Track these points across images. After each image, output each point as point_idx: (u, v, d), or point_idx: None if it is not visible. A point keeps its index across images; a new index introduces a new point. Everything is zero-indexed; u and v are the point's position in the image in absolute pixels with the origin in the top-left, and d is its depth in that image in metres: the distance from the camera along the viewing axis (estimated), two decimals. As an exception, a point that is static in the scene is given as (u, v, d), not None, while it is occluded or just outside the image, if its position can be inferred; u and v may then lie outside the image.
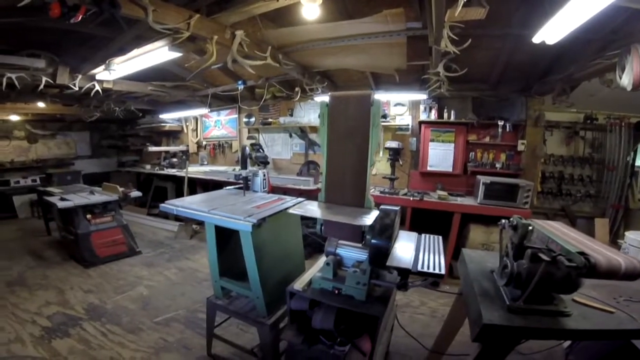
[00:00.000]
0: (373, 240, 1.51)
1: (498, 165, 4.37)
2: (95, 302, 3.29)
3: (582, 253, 1.14)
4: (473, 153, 4.53)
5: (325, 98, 1.83)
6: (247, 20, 2.84)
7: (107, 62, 3.47)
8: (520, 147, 4.29)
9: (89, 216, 4.44)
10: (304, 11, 2.26)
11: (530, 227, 1.55)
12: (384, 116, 1.79)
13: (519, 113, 4.32)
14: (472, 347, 2.52)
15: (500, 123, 4.28)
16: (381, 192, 4.29)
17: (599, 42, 2.84)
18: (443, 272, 1.39)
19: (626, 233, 1.97)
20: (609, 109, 4.36)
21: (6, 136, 6.82)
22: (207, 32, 2.60)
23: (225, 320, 2.64)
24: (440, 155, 4.59)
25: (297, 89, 4.69)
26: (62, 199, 4.33)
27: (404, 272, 1.44)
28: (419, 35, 2.98)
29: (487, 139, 4.48)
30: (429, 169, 4.63)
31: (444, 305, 3.29)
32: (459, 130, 4.51)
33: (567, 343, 2.48)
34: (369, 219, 1.51)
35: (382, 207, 1.65)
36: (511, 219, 1.69)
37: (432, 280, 1.50)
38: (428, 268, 1.41)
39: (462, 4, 1.81)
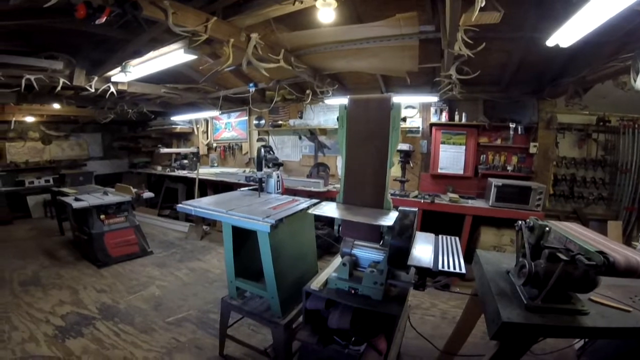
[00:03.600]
0: (393, 241, 1.52)
1: (509, 168, 4.34)
2: (108, 302, 3.34)
3: (601, 252, 1.14)
4: (484, 155, 4.51)
5: (339, 101, 1.87)
6: (260, 24, 2.89)
7: (123, 64, 3.55)
8: (532, 150, 4.25)
9: (102, 216, 4.51)
10: (319, 15, 2.30)
11: (547, 228, 1.55)
12: (404, 119, 1.80)
13: (531, 115, 4.29)
14: (484, 348, 2.51)
15: (512, 125, 4.25)
16: (392, 195, 4.28)
17: (613, 45, 2.82)
18: (464, 271, 1.40)
19: (643, 236, 1.95)
20: (622, 111, 4.32)
21: (21, 137, 6.98)
22: (223, 35, 2.65)
23: (237, 321, 2.66)
24: (451, 158, 4.58)
25: (308, 91, 4.73)
26: (77, 199, 4.42)
27: (424, 272, 1.45)
28: (431, 38, 2.99)
29: (498, 142, 4.45)
30: (439, 171, 4.61)
31: (454, 307, 3.28)
32: (470, 132, 4.50)
33: (579, 344, 2.45)
34: (390, 219, 1.52)
35: (400, 208, 1.66)
36: (528, 220, 1.70)
37: (445, 282, 1.51)
38: (449, 267, 1.42)
39: (478, 9, 1.82)
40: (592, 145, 4.52)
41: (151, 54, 3.19)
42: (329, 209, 1.76)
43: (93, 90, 4.23)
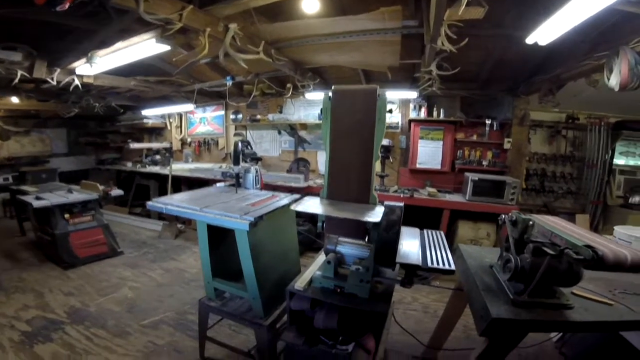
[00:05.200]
0: (381, 237, 1.49)
1: (485, 163, 4.47)
2: (77, 305, 3.14)
3: (588, 246, 1.15)
4: (461, 151, 4.62)
5: (320, 95, 1.80)
6: (240, 14, 2.77)
7: (89, 54, 3.30)
8: (507, 145, 4.39)
9: (67, 216, 4.23)
10: (303, 5, 2.21)
11: (530, 222, 1.57)
12: (390, 111, 1.79)
13: (506, 112, 4.42)
14: (466, 342, 2.56)
15: (488, 122, 4.37)
16: (372, 190, 4.29)
17: (588, 44, 2.91)
18: (453, 267, 1.39)
19: (615, 227, 2.04)
20: (590, 109, 4.53)
21: (-25, 132, 6.43)
22: (199, 25, 2.51)
23: (217, 322, 2.56)
24: (429, 153, 4.64)
25: (288, 85, 4.63)
26: (38, 198, 4.10)
27: (412, 269, 1.42)
28: (413, 33, 2.98)
29: (474, 137, 4.57)
30: (418, 166, 4.67)
31: (435, 301, 3.33)
32: (447, 128, 4.58)
33: (557, 337, 2.55)
34: (377, 215, 1.48)
35: (386, 203, 1.63)
36: (510, 214, 1.71)
37: (433, 277, 1.50)
38: (438, 264, 1.40)
39: (463, 4, 1.81)
40: (561, 141, 4.73)
41: (120, 44, 2.98)
42: (313, 205, 1.70)
43: (55, 83, 3.92)
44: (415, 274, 1.47)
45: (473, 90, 4.47)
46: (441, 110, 4.54)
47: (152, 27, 2.60)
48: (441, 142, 4.61)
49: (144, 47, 2.88)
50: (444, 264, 1.41)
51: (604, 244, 1.19)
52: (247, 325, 2.18)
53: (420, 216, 4.24)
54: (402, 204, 1.61)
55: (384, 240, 1.48)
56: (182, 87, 5.39)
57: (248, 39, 3.00)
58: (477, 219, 4.03)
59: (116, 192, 4.84)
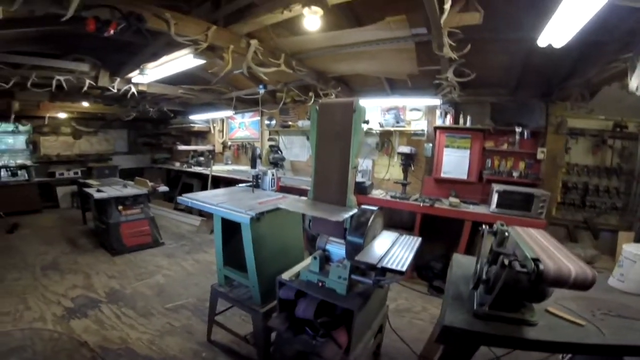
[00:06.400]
0: (348, 237, 1.61)
1: (515, 174, 4.25)
2: (116, 287, 3.60)
3: (535, 259, 1.16)
4: (490, 160, 4.43)
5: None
6: (261, 29, 3.02)
7: (141, 67, 3.81)
8: (540, 156, 4.14)
9: (120, 207, 4.82)
10: (305, 23, 2.40)
11: (506, 234, 1.58)
12: (366, 122, 1.88)
13: (538, 119, 4.18)
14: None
15: (518, 130, 4.16)
16: (392, 197, 4.32)
17: (616, 44, 2.70)
18: (404, 269, 1.46)
19: (624, 245, 1.90)
20: None
21: (54, 132, 7.55)
22: (223, 42, 2.80)
23: (228, 309, 2.82)
24: (455, 162, 4.53)
25: (310, 93, 4.85)
26: (99, 191, 4.76)
27: (371, 268, 1.52)
28: (425, 40, 3.00)
29: (505, 146, 4.37)
30: (443, 175, 4.58)
31: (446, 312, 3.28)
32: (475, 136, 4.44)
33: (567, 357, 2.41)
34: (342, 216, 1.61)
35: (362, 206, 1.74)
36: (494, 225, 1.72)
37: (399, 278, 1.57)
38: (391, 265, 1.49)
39: (449, 10, 1.85)
40: (607, 151, 4.31)
41: (164, 58, 3.41)
42: (295, 204, 1.87)
43: (115, 91, 4.56)
44: (382, 274, 1.56)
45: (503, 96, 4.30)
46: (468, 118, 4.42)
47: (186, 44, 2.96)
48: (468, 151, 4.47)
49: (183, 61, 3.27)
50: (397, 265, 1.48)
51: (557, 259, 1.19)
52: (247, 311, 2.41)
53: (444, 227, 4.22)
54: (375, 208, 1.71)
55: (351, 239, 1.59)
56: (222, 94, 5.87)
57: (269, 52, 3.26)
58: (501, 232, 3.86)
59: (162, 188, 5.41)
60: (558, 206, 4.33)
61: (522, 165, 4.32)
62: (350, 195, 1.80)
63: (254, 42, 2.95)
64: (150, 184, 5.28)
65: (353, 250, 1.61)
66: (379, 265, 1.46)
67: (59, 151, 7.54)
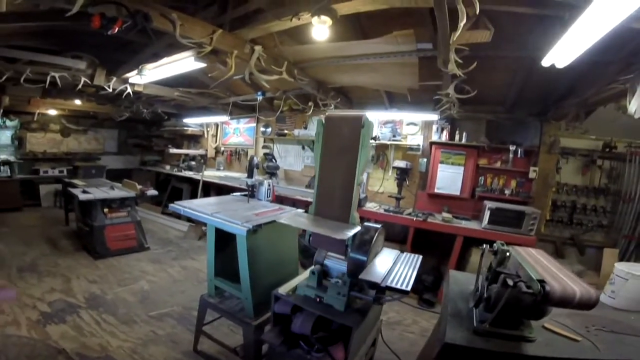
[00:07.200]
0: (351, 254, 1.58)
1: (507, 192, 4.32)
2: (96, 292, 3.44)
3: (541, 280, 1.16)
4: (483, 178, 4.50)
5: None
6: (266, 35, 3.01)
7: (139, 67, 3.74)
8: (532, 175, 4.21)
9: (106, 210, 4.65)
10: (314, 32, 2.40)
11: (507, 254, 1.58)
12: (374, 138, 1.86)
13: (532, 138, 4.27)
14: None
15: (512, 148, 4.24)
16: (385, 210, 4.32)
17: (617, 65, 2.74)
18: (408, 289, 1.43)
19: (616, 264, 1.94)
20: (631, 137, 4.17)
21: (42, 128, 7.34)
22: (228, 47, 2.77)
23: (216, 319, 2.72)
24: (449, 178, 4.58)
25: (310, 103, 4.85)
26: (84, 192, 4.61)
27: (375, 287, 1.49)
28: (429, 55, 3.04)
29: (498, 164, 4.44)
30: (436, 191, 4.61)
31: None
32: (469, 153, 4.50)
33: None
34: (346, 234, 1.58)
35: (365, 224, 1.72)
36: (494, 245, 1.72)
37: (402, 296, 1.55)
38: (396, 284, 1.46)
39: (462, 27, 1.85)
40: (596, 172, 4.39)
41: (165, 59, 3.36)
42: (297, 220, 1.83)
43: (111, 90, 4.46)
44: (382, 292, 1.53)
45: (499, 114, 4.38)
46: (464, 134, 4.48)
47: (189, 47, 2.92)
48: (462, 168, 4.52)
49: (184, 63, 3.22)
50: (401, 284, 1.46)
51: (561, 280, 1.19)
52: (237, 324, 2.32)
53: (435, 242, 4.23)
54: (379, 226, 1.69)
55: (354, 257, 1.56)
56: (219, 99, 5.83)
57: (272, 59, 3.25)
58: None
59: (151, 192, 5.26)
60: (547, 223, 4.40)
61: (514, 183, 4.40)
62: (354, 212, 1.78)
63: (258, 48, 2.93)
64: (139, 187, 5.14)
65: (356, 267, 1.57)
66: (383, 284, 1.43)
67: (45, 148, 7.33)
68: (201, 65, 3.22)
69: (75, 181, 5.49)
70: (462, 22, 1.72)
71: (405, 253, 1.89)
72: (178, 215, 6.76)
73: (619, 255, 4.06)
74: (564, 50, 2.05)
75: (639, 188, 4.10)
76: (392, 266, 1.66)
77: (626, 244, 4.16)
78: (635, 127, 3.84)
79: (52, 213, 6.66)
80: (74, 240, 5.06)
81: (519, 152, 4.24)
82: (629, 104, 2.36)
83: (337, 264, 1.92)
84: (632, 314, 1.70)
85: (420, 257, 1.87)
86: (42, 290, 3.39)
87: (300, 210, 2.61)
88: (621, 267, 1.83)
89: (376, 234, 1.65)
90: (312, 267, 2.00)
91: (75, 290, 3.47)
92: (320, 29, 2.31)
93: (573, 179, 4.46)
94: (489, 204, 3.88)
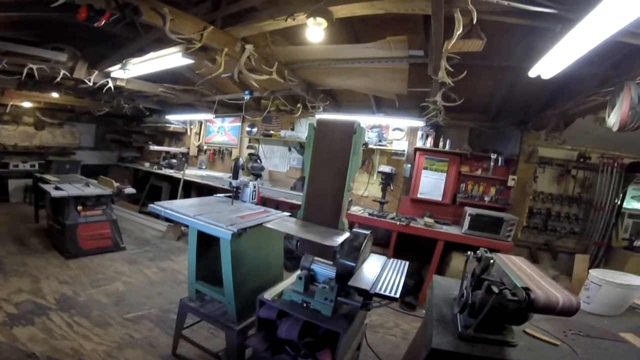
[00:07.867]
0: (340, 260, 1.57)
1: (487, 199, 4.44)
2: (68, 294, 3.29)
3: (526, 288, 1.20)
4: (464, 184, 4.61)
5: (330, 116, 1.93)
6: (258, 34, 2.97)
7: (123, 61, 3.59)
8: (510, 183, 4.35)
9: (79, 207, 4.43)
10: (308, 33, 2.39)
11: (491, 261, 1.61)
12: (365, 144, 1.88)
13: (513, 147, 4.41)
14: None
15: (493, 156, 4.36)
16: (370, 214, 4.35)
17: (599, 77, 2.83)
18: (397, 295, 1.45)
19: (590, 271, 2.03)
20: (604, 148, 4.37)
21: (15, 121, 6.97)
22: (218, 44, 2.70)
23: (196, 323, 2.65)
24: (432, 184, 4.67)
25: (298, 105, 4.84)
26: (57, 188, 4.35)
27: (364, 293, 1.49)
28: (420, 62, 3.07)
29: (479, 172, 4.56)
30: (419, 196, 4.69)
31: (416, 328, 3.28)
32: (452, 160, 4.60)
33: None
34: (337, 241, 1.58)
35: (354, 230, 1.72)
36: (477, 252, 1.76)
37: (389, 302, 1.55)
38: (385, 291, 1.47)
39: (457, 36, 1.88)
40: (570, 181, 4.59)
41: (151, 54, 3.23)
42: (288, 225, 1.81)
43: (91, 84, 4.27)
44: (370, 298, 1.53)
45: (482, 122, 4.50)
46: (448, 141, 4.57)
47: (178, 42, 2.84)
48: (444, 174, 4.62)
49: (171, 59, 3.11)
50: (390, 291, 1.47)
51: (544, 288, 1.23)
52: (220, 328, 2.27)
53: (417, 246, 4.30)
54: (368, 232, 1.70)
55: (343, 263, 1.56)
56: (205, 96, 5.71)
57: (263, 59, 3.21)
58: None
59: (129, 190, 5.04)
60: (523, 229, 4.56)
61: (493, 190, 4.53)
62: (343, 218, 1.77)
63: (249, 47, 2.89)
64: (116, 184, 4.94)
65: (344, 273, 1.57)
66: (372, 291, 1.43)
67: (16, 141, 6.95)
68: (189, 61, 3.14)
69: (48, 176, 5.21)
70: (458, 32, 1.74)
71: (392, 259, 1.90)
72: (156, 215, 6.58)
73: (589, 261, 4.27)
74: (552, 62, 2.09)
75: (610, 197, 4.32)
76: (380, 272, 1.67)
77: (596, 250, 4.37)
78: (609, 138, 4.01)
79: (21, 209, 6.31)
80: (43, 239, 4.80)
81: (500, 160, 4.37)
82: (608, 116, 2.41)
83: (324, 269, 1.91)
84: (606, 318, 1.78)
85: (407, 263, 1.89)
86: (8, 291, 3.20)
87: (286, 214, 2.58)
88: (595, 273, 1.92)
89: (365, 240, 1.65)
90: (299, 272, 1.99)
91: (45, 291, 3.29)
92: (315, 30, 2.29)
93: (549, 187, 4.66)
94: (469, 210, 3.98)
